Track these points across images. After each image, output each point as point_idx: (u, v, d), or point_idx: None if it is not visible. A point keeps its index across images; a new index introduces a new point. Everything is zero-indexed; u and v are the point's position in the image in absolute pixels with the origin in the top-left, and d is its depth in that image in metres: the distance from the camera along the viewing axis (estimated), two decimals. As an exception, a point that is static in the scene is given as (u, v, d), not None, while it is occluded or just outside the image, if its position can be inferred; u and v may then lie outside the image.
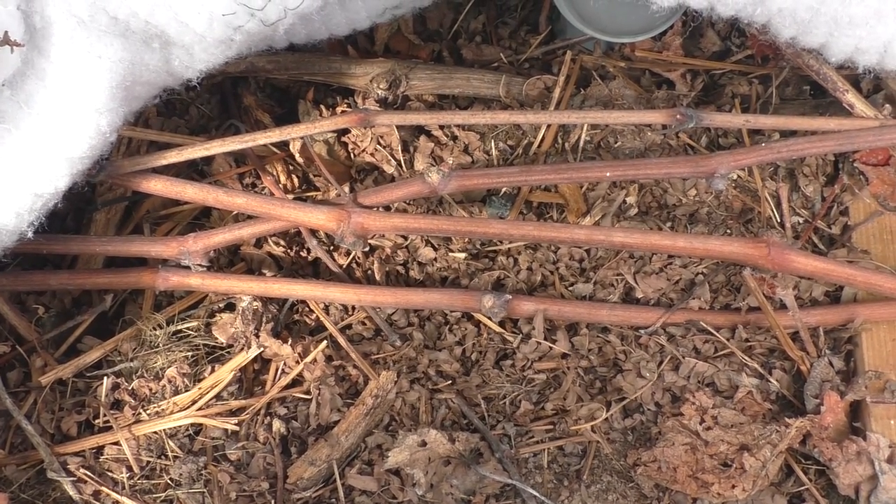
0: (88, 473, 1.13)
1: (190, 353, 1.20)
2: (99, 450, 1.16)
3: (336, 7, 1.08)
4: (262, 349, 1.18)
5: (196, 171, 1.32)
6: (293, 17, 1.00)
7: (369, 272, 1.25)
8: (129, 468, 1.14)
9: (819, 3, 0.91)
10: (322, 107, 1.34)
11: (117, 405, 1.18)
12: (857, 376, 1.16)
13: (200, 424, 1.17)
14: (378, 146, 1.29)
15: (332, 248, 1.26)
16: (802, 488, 1.14)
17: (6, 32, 0.83)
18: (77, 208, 1.28)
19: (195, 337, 1.21)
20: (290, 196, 1.28)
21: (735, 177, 1.26)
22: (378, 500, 1.12)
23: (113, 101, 0.97)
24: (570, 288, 1.23)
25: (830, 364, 1.17)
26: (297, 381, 1.19)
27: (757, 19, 0.96)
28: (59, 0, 0.89)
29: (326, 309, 1.24)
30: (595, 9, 1.27)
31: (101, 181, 1.19)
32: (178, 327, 1.21)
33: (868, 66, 1.01)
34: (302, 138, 1.26)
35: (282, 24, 1.01)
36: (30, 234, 1.02)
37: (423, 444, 1.13)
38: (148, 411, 1.16)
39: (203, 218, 1.31)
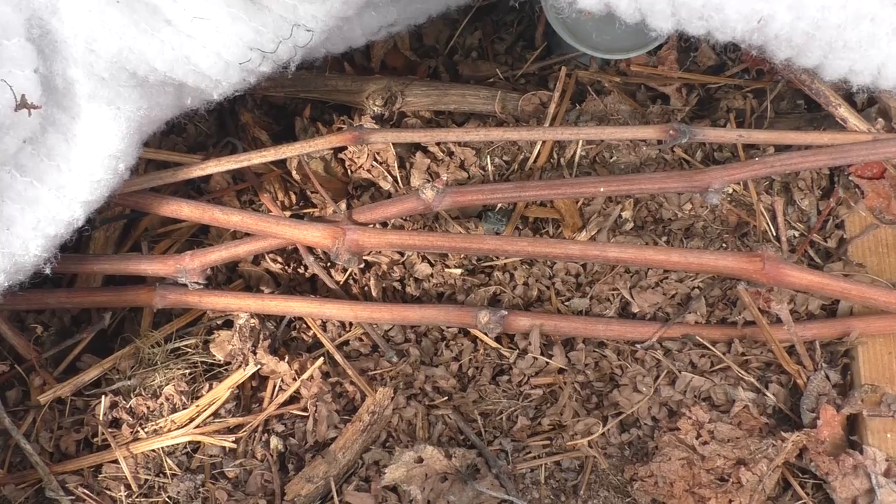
0: (87, 492, 1.13)
1: (188, 371, 1.20)
2: (97, 468, 1.16)
3: (335, 30, 1.09)
4: (259, 366, 1.18)
5: (194, 188, 1.33)
6: (302, 52, 1.03)
7: (366, 288, 1.25)
8: (128, 486, 1.14)
9: (814, 29, 0.92)
10: (319, 123, 1.35)
11: (116, 423, 1.18)
12: (853, 390, 1.16)
13: (198, 442, 1.17)
14: (374, 163, 1.30)
15: (328, 264, 1.26)
16: (799, 502, 1.13)
17: (23, 96, 0.86)
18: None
19: (193, 354, 1.22)
20: (288, 213, 1.28)
21: (730, 191, 1.26)
22: (375, 516, 1.13)
23: (130, 146, 1.00)
24: (567, 303, 1.23)
25: (827, 378, 1.17)
26: (294, 398, 1.20)
27: (754, 43, 0.97)
28: (82, 62, 0.92)
29: (323, 325, 1.24)
30: (587, 26, 1.28)
31: (100, 200, 1.20)
32: (176, 345, 1.22)
33: (862, 86, 1.02)
34: (297, 156, 1.26)
35: (293, 61, 1.04)
36: (47, 271, 1.04)
37: (420, 460, 1.13)
38: (146, 429, 1.17)
39: (201, 235, 1.32)
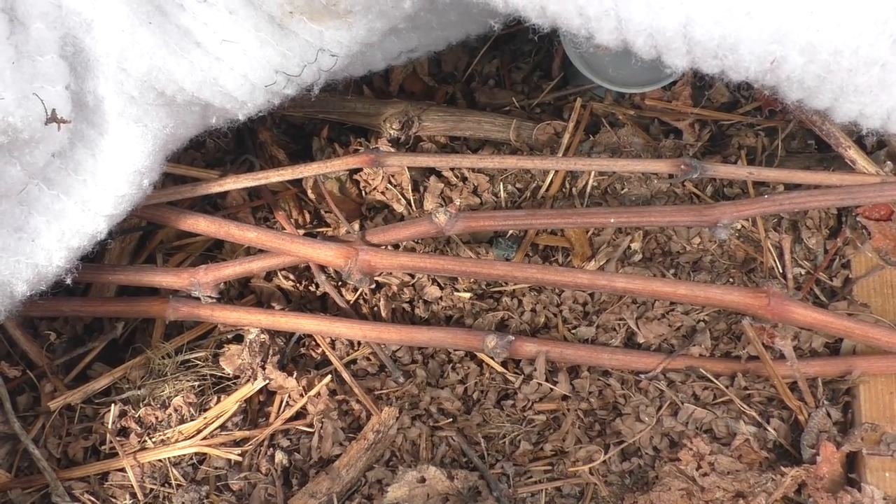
0: (93, 499, 1.15)
1: (197, 383, 1.21)
2: (104, 476, 1.17)
3: (357, 55, 1.11)
4: (267, 381, 1.20)
5: (210, 203, 1.35)
6: (326, 76, 1.06)
7: (375, 309, 1.27)
8: (133, 495, 1.15)
9: (826, 73, 0.94)
10: (336, 144, 1.37)
11: (124, 432, 1.20)
12: (853, 428, 1.17)
13: (204, 454, 1.18)
14: (389, 185, 1.31)
15: (340, 283, 1.28)
16: (797, 538, 1.14)
17: (54, 110, 0.88)
18: (93, 237, 1.30)
19: (202, 367, 1.23)
20: (302, 231, 1.30)
21: (739, 227, 1.27)
22: (376, 534, 1.14)
23: (155, 163, 1.03)
24: (573, 331, 1.25)
25: (828, 415, 1.18)
26: (300, 414, 1.21)
27: (766, 83, 0.98)
28: (112, 80, 0.94)
29: (332, 344, 1.25)
30: (604, 60, 1.30)
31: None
32: (186, 357, 1.23)
33: (871, 129, 1.03)
34: (313, 176, 1.28)
35: (317, 84, 1.07)
36: (68, 281, 1.06)
37: (423, 480, 1.14)
38: (153, 439, 1.18)
39: (215, 249, 1.33)
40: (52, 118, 0.87)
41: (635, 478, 1.18)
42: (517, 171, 1.31)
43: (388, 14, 1.02)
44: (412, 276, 1.28)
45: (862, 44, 0.91)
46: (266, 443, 1.19)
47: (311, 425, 1.20)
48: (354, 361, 1.25)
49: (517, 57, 1.48)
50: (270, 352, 1.21)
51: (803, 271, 1.27)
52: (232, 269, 1.20)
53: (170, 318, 1.22)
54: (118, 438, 1.19)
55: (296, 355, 1.26)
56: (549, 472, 1.18)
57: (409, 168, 1.30)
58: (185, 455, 1.18)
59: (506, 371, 1.23)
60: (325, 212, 1.34)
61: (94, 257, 1.29)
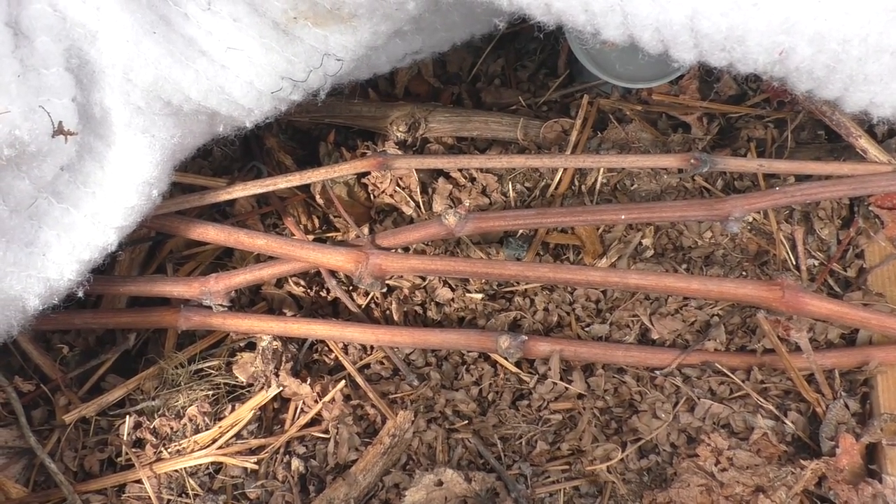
0: (110, 511, 1.15)
1: (211, 392, 1.21)
2: (121, 488, 1.17)
3: (362, 59, 1.11)
4: (281, 388, 1.20)
5: (219, 211, 1.34)
6: (332, 80, 1.06)
7: (387, 312, 1.26)
8: (151, 506, 1.16)
9: (835, 62, 0.93)
10: (343, 148, 1.37)
11: (139, 443, 1.20)
12: (872, 419, 1.16)
13: (220, 463, 1.18)
14: (397, 188, 1.31)
15: (351, 288, 1.28)
16: (818, 531, 1.14)
17: (60, 123, 0.88)
18: (102, 248, 1.30)
19: (216, 376, 1.23)
20: (311, 237, 1.30)
21: (750, 219, 1.27)
22: (395, 539, 1.14)
23: (163, 173, 1.03)
24: (586, 329, 1.24)
25: (846, 406, 1.17)
26: (315, 420, 1.21)
27: (775, 75, 0.98)
28: (119, 91, 0.94)
29: (345, 349, 1.25)
30: (610, 56, 1.30)
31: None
32: (200, 366, 1.23)
33: (882, 118, 1.03)
34: (321, 181, 1.28)
35: (323, 89, 1.07)
36: (80, 294, 1.06)
37: (440, 483, 1.14)
38: (169, 450, 1.18)
39: (225, 257, 1.33)
40: (59, 131, 0.87)
41: (653, 475, 1.18)
42: (526, 170, 1.31)
43: (393, 17, 1.01)
44: (423, 279, 1.28)
45: (871, 32, 0.90)
46: (282, 450, 1.19)
47: (326, 431, 1.19)
48: (368, 366, 1.25)
49: (522, 55, 1.47)
50: (283, 358, 1.21)
51: (817, 262, 1.26)
52: (242, 277, 1.19)
53: (182, 328, 1.22)
54: (134, 450, 1.19)
55: (309, 361, 1.26)
56: (566, 472, 1.18)
57: (417, 170, 1.30)
58: (201, 465, 1.18)
59: (520, 371, 1.23)
60: (334, 216, 1.33)
61: (104, 269, 1.29)
